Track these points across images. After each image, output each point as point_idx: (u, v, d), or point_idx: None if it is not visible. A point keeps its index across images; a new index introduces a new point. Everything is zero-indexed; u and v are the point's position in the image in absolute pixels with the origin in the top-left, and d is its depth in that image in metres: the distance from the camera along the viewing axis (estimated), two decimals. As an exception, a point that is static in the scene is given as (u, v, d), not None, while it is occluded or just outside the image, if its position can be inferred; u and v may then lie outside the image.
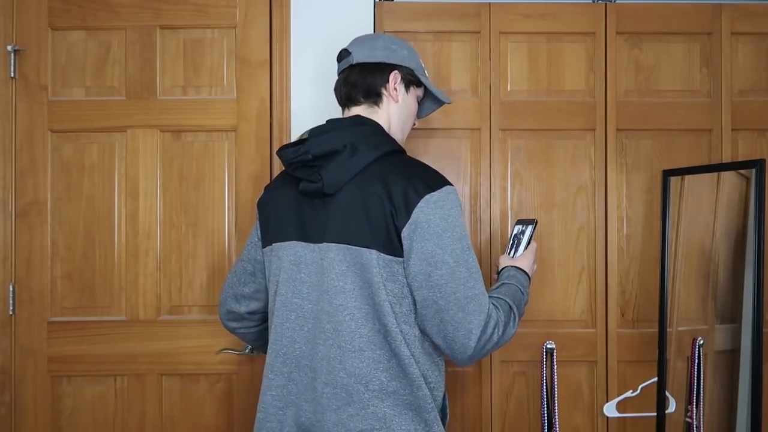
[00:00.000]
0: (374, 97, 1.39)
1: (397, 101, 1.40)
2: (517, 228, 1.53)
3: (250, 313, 1.52)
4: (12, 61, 1.92)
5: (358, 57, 1.39)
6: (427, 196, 1.23)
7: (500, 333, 1.25)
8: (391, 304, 1.25)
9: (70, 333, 1.91)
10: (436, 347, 1.32)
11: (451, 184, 1.28)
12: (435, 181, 1.27)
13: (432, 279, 1.23)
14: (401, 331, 1.26)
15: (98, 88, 1.94)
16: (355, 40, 1.45)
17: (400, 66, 1.40)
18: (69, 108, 1.93)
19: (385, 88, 1.39)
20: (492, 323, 1.24)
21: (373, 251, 1.24)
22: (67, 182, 1.93)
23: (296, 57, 1.96)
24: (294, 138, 1.89)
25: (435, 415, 1.29)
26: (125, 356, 1.91)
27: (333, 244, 1.27)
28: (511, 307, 1.30)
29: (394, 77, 1.39)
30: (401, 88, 1.41)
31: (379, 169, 1.27)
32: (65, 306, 1.92)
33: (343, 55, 1.42)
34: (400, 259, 1.25)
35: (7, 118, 1.92)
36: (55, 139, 1.93)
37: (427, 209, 1.23)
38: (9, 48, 1.91)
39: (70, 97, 1.94)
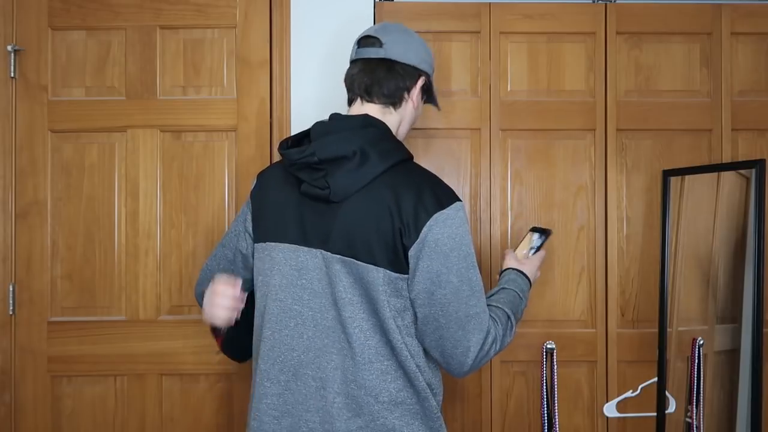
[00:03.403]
0: (395, 99, 1.33)
1: (416, 106, 1.38)
2: (535, 236, 1.54)
3: None
4: (12, 61, 1.92)
5: (392, 52, 1.32)
6: (436, 215, 1.21)
7: (497, 347, 1.26)
8: (394, 319, 1.23)
9: (70, 333, 1.91)
10: (432, 359, 1.31)
11: (459, 200, 1.25)
12: (445, 197, 1.24)
13: (435, 297, 1.22)
14: (405, 344, 1.25)
15: (98, 88, 1.94)
16: (385, 28, 1.36)
17: (426, 73, 1.37)
18: (69, 108, 1.93)
19: (408, 92, 1.35)
20: (490, 339, 1.24)
21: (380, 269, 1.22)
22: (67, 182, 1.93)
23: (296, 57, 1.96)
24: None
25: (441, 423, 1.29)
26: (125, 356, 1.91)
27: (338, 256, 1.24)
28: (509, 317, 1.30)
29: (422, 83, 1.36)
30: (420, 93, 1.38)
31: (389, 180, 1.23)
32: (65, 306, 1.92)
33: (373, 42, 1.34)
34: (405, 276, 1.23)
35: (7, 118, 1.92)
36: (55, 139, 1.93)
37: (436, 228, 1.21)
38: (9, 48, 1.91)
39: (70, 97, 1.94)
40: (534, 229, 1.56)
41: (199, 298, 1.49)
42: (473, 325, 1.22)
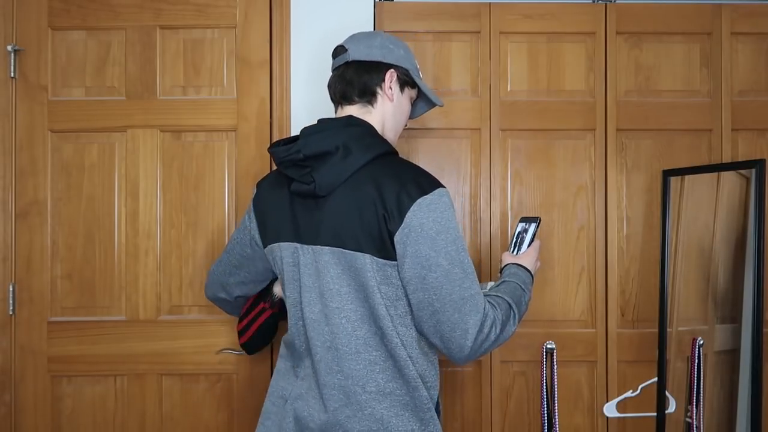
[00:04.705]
0: (369, 96, 1.38)
1: (392, 100, 1.40)
2: (520, 226, 1.54)
3: (237, 297, 1.58)
4: (12, 61, 1.92)
5: (354, 54, 1.39)
6: (419, 200, 1.23)
7: (498, 331, 1.26)
8: (386, 307, 1.26)
9: (70, 333, 1.91)
10: (432, 346, 1.33)
11: (443, 186, 1.28)
12: (427, 183, 1.27)
13: (427, 281, 1.23)
14: (397, 333, 1.27)
15: (98, 88, 1.94)
16: (351, 36, 1.44)
17: (397, 66, 1.40)
18: (69, 108, 1.93)
19: (381, 87, 1.38)
20: (488, 322, 1.24)
21: (367, 255, 1.25)
22: (67, 182, 1.93)
23: (296, 57, 1.96)
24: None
25: (432, 414, 1.30)
26: (125, 356, 1.91)
27: (327, 248, 1.28)
28: (510, 306, 1.30)
29: (390, 76, 1.39)
30: (396, 87, 1.40)
31: (371, 171, 1.27)
32: (65, 306, 1.92)
33: (339, 51, 1.42)
34: (394, 262, 1.25)
35: (7, 118, 1.92)
36: (55, 139, 1.93)
37: (420, 213, 1.23)
38: (9, 48, 1.91)
39: (70, 97, 1.94)
40: (522, 219, 1.56)
41: (216, 300, 1.63)
42: (469, 307, 1.23)
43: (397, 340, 1.26)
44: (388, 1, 1.96)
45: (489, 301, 1.27)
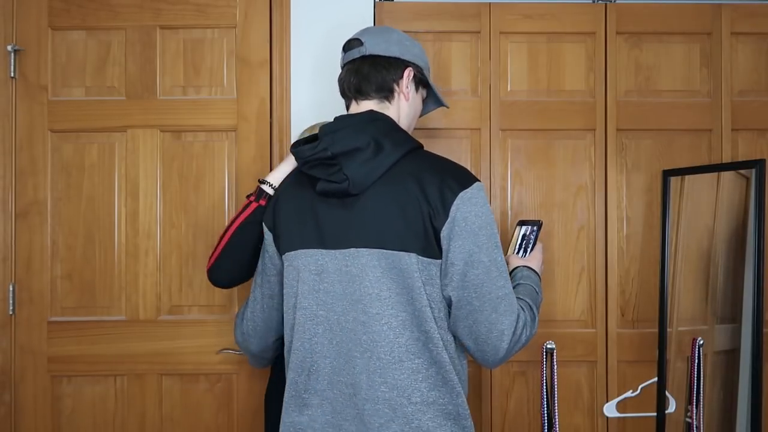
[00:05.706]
0: (386, 92, 1.33)
1: (408, 99, 1.36)
2: (524, 228, 1.54)
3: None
4: (12, 61, 1.92)
5: (371, 48, 1.33)
6: (461, 194, 1.21)
7: (528, 333, 1.25)
8: (431, 309, 1.22)
9: (70, 333, 1.91)
10: (461, 349, 1.30)
11: (479, 180, 1.26)
12: (466, 177, 1.24)
13: (468, 278, 1.21)
14: (441, 337, 1.23)
15: (98, 88, 1.94)
16: (365, 30, 1.39)
17: (414, 63, 1.36)
18: (69, 108, 1.93)
19: (398, 85, 1.34)
20: (521, 323, 1.23)
21: (413, 255, 1.20)
22: (67, 182, 1.93)
23: (296, 57, 1.96)
24: (294, 136, 1.89)
25: (471, 422, 1.26)
26: (125, 356, 1.91)
27: (364, 249, 1.22)
28: (531, 307, 1.30)
29: (408, 74, 1.35)
30: (412, 86, 1.37)
31: (407, 167, 1.24)
32: (65, 306, 1.92)
33: (354, 44, 1.36)
34: (438, 260, 1.22)
35: (7, 118, 1.92)
36: (55, 139, 1.93)
37: (464, 207, 1.21)
38: (9, 48, 1.91)
39: (70, 97, 1.94)
40: (522, 222, 1.56)
41: (265, 349, 1.50)
42: (504, 306, 1.21)
43: (441, 344, 1.22)
44: (388, 1, 1.96)
45: (518, 303, 1.26)
